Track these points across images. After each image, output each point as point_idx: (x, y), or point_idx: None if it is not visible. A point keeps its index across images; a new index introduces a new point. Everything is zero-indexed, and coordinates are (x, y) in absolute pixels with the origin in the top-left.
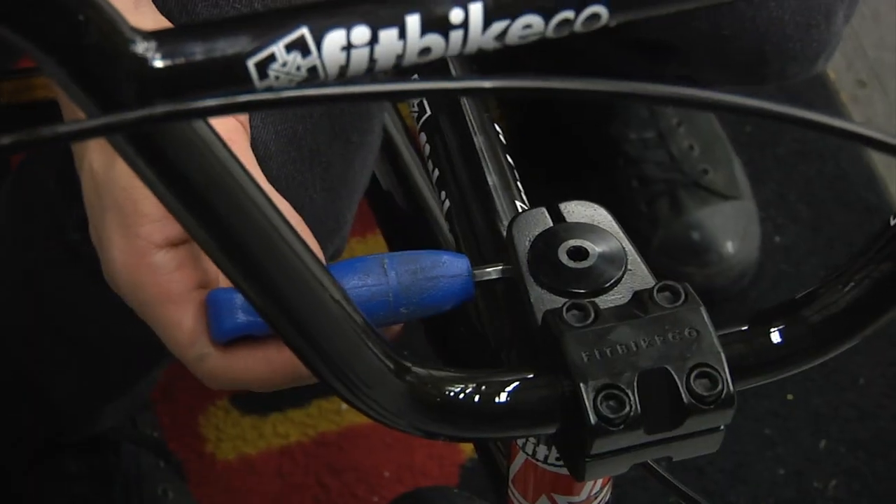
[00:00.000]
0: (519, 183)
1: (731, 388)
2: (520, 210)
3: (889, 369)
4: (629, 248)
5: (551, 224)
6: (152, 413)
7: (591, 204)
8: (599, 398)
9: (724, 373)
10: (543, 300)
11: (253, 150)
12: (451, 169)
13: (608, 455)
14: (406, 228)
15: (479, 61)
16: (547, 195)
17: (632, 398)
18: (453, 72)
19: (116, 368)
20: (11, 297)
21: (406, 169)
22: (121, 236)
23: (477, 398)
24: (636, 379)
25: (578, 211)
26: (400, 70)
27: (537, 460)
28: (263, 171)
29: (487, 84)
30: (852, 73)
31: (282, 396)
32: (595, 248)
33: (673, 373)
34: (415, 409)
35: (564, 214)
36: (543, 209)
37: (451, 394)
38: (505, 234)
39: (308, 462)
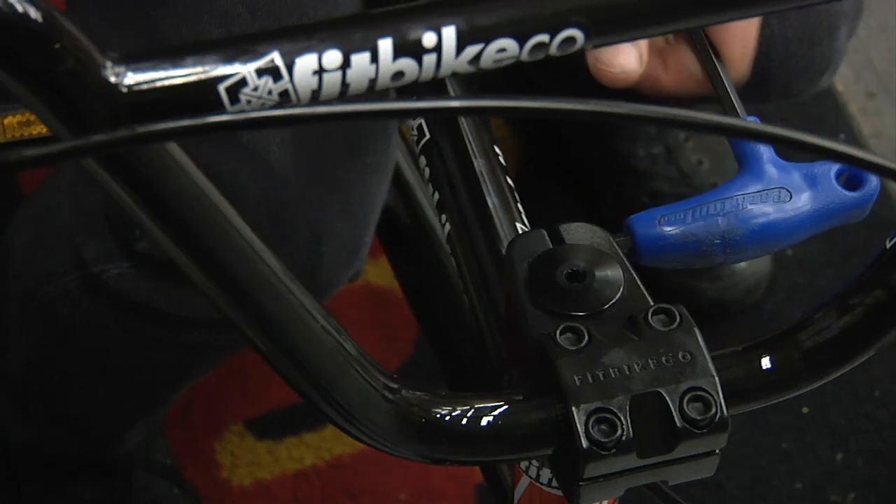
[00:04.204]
0: (520, 205)
1: (725, 411)
2: (520, 232)
3: None
4: (627, 270)
5: (550, 246)
6: (165, 439)
7: (591, 226)
8: (591, 421)
9: (718, 396)
10: (539, 322)
11: (272, 173)
12: (451, 192)
13: (602, 479)
14: (410, 248)
15: (485, 77)
16: (558, 213)
17: (624, 422)
18: (451, 91)
19: (141, 391)
20: (33, 325)
21: (409, 190)
22: None
23: (464, 421)
24: (629, 402)
25: (578, 233)
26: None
27: (541, 483)
28: (282, 194)
29: (455, 104)
30: (861, 85)
31: (297, 420)
32: (593, 270)
33: (666, 396)
34: (402, 431)
35: (564, 236)
36: (543, 231)
37: (439, 416)
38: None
39: (324, 486)
